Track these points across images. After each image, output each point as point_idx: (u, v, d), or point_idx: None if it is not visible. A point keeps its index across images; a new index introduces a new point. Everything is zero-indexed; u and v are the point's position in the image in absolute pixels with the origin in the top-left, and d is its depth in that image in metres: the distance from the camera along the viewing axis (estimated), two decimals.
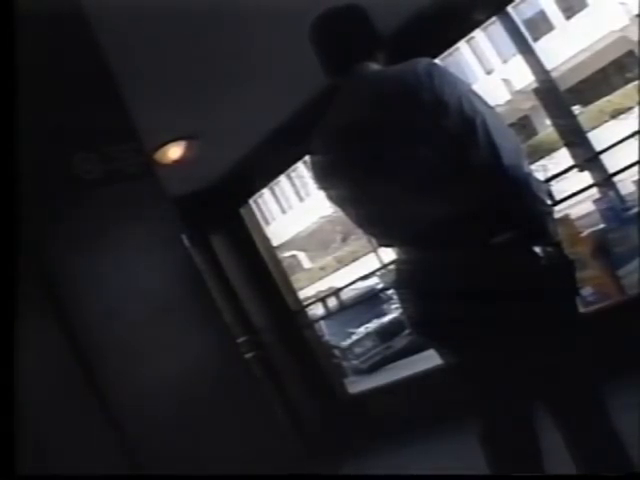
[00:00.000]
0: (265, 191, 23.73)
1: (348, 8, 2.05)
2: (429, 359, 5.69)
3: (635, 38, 17.64)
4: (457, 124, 1.78)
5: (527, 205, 1.81)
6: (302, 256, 29.52)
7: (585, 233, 3.87)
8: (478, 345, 1.89)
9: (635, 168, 3.72)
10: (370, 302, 10.27)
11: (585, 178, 4.30)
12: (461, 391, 2.07)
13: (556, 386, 1.89)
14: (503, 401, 1.96)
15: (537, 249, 1.82)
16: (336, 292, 6.23)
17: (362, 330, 10.45)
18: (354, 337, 10.36)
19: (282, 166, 6.21)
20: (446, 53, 4.89)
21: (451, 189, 1.82)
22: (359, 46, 2.01)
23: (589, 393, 1.91)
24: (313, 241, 28.47)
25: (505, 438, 1.96)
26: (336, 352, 9.95)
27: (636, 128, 3.87)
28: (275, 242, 7.37)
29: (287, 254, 25.32)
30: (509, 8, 4.42)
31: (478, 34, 20.70)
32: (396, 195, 1.89)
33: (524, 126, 22.92)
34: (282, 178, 23.69)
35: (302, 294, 7.76)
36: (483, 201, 1.80)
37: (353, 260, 25.80)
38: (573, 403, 1.89)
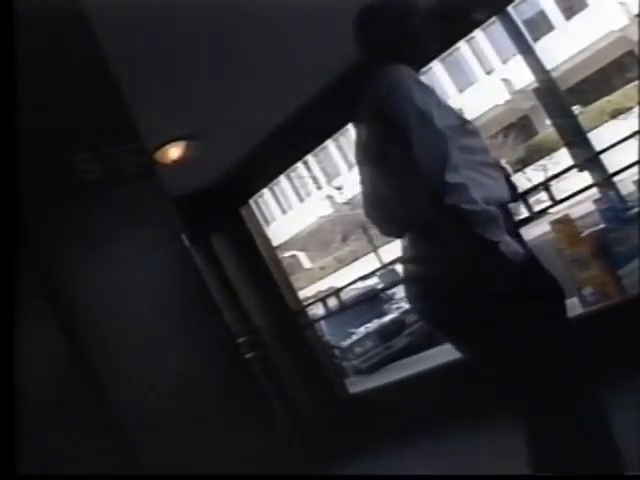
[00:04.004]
0: (265, 191, 23.74)
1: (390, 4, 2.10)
2: (429, 359, 5.68)
3: (635, 38, 17.66)
4: (387, 133, 1.88)
5: (443, 215, 1.82)
6: (302, 256, 29.53)
7: (585, 233, 3.86)
8: (482, 342, 1.90)
9: (635, 168, 3.72)
10: (370, 302, 10.27)
11: (585, 178, 4.30)
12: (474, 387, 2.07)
13: (555, 386, 1.90)
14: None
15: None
16: (336, 292, 6.21)
17: (362, 330, 10.45)
18: (354, 337, 10.36)
19: (282, 166, 6.21)
20: (446, 53, 4.90)
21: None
22: (383, 47, 2.08)
23: (588, 394, 1.91)
24: (313, 241, 28.47)
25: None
26: (336, 352, 9.95)
27: (636, 128, 3.87)
28: (275, 242, 7.36)
29: (287, 254, 25.34)
30: (509, 8, 4.42)
31: (478, 34, 20.72)
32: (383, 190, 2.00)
33: (524, 126, 22.93)
34: (282, 178, 23.71)
35: (302, 294, 7.75)
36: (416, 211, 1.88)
37: (353, 260, 25.82)
38: (573, 404, 1.89)
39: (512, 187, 2.05)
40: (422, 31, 2.10)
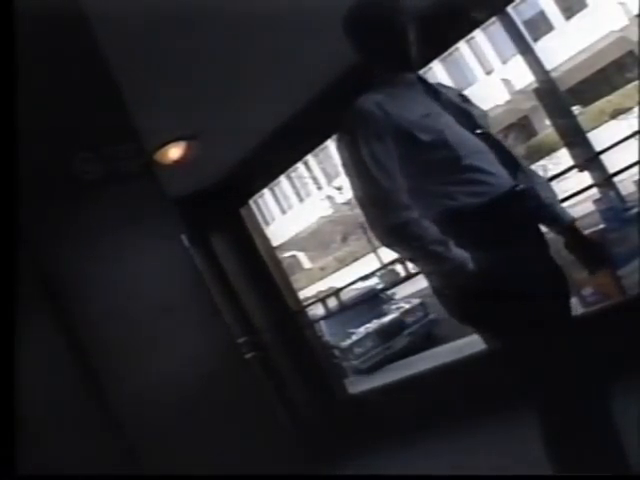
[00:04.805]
0: (265, 191, 23.73)
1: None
2: (429, 359, 5.69)
3: (635, 38, 17.64)
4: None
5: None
6: (302, 256, 29.53)
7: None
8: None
9: (635, 168, 3.72)
10: (370, 302, 10.27)
11: (585, 178, 4.29)
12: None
13: (555, 386, 1.90)
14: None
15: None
16: (336, 292, 6.22)
17: (362, 330, 10.45)
18: (354, 337, 10.36)
19: (282, 166, 6.21)
20: (446, 53, 4.89)
21: None
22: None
23: (589, 393, 1.91)
24: (313, 241, 28.47)
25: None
26: (336, 352, 9.95)
27: (636, 128, 3.87)
28: (275, 242, 7.37)
29: (287, 254, 25.34)
30: (509, 8, 4.42)
31: (478, 34, 20.71)
32: None
33: (524, 126, 22.92)
34: (282, 178, 23.70)
35: (302, 294, 7.75)
36: None
37: (353, 260, 25.83)
38: (573, 403, 1.89)
39: (522, 176, 2.02)
40: (412, 31, 2.05)
